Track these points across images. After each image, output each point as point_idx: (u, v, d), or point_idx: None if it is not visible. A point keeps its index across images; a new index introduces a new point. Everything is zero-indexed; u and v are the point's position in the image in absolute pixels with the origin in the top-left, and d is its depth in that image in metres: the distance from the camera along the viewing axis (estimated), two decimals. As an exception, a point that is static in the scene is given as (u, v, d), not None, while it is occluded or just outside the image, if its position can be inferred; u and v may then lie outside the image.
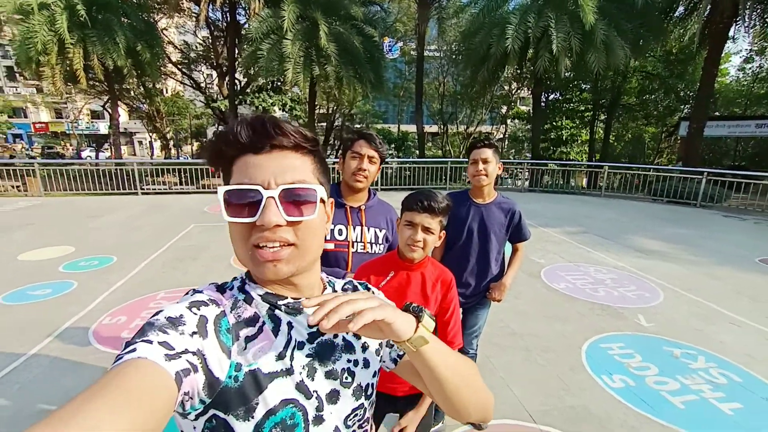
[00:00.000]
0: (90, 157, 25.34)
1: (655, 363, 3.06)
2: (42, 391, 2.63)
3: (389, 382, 1.44)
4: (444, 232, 1.44)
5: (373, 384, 0.73)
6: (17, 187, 10.58)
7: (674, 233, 7.33)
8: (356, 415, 0.68)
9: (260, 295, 0.64)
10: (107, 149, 24.44)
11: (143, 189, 11.09)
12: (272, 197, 0.57)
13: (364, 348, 0.72)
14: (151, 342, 0.49)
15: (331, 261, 1.71)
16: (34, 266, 4.97)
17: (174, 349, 0.49)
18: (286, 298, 0.65)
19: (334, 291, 0.74)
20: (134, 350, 0.47)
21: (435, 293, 1.45)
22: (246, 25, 14.87)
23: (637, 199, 11.50)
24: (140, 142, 37.22)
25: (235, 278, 0.68)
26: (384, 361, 0.79)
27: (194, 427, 0.57)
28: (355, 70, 12.56)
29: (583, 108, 20.33)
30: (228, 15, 15.04)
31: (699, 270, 5.30)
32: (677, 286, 4.69)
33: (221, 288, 0.65)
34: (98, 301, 3.98)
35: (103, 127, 30.98)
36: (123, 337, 3.28)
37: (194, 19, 15.67)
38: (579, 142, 21.12)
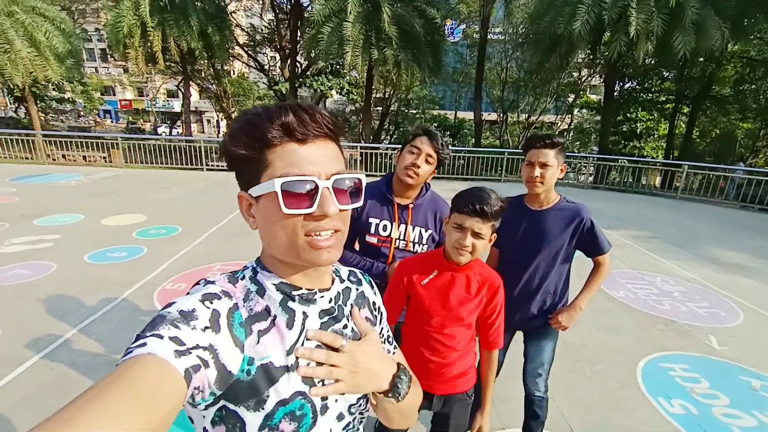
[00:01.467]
0: (164, 133, 27.62)
1: (726, 392, 2.73)
2: (115, 343, 2.95)
3: (427, 379, 1.42)
4: (495, 235, 1.35)
5: None
6: (104, 158, 11.82)
7: (763, 246, 6.45)
8: (360, 404, 0.71)
9: (275, 285, 0.63)
10: (179, 126, 26.44)
11: (209, 165, 11.88)
12: (327, 187, 0.58)
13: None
14: (161, 337, 0.48)
15: (372, 254, 1.70)
16: (113, 230, 5.55)
17: (185, 345, 0.49)
18: (301, 288, 0.65)
19: (342, 281, 0.75)
20: (144, 345, 0.47)
21: (480, 296, 1.39)
22: (309, 8, 15.11)
23: (721, 204, 10.25)
24: (209, 121, 39.82)
25: (245, 267, 0.67)
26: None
27: (204, 416, 0.58)
28: (413, 53, 12.34)
29: (663, 99, 18.27)
30: (293, -2, 15.37)
31: (791, 291, 4.63)
32: (761, 307, 4.14)
33: (233, 277, 0.64)
34: (163, 267, 4.35)
35: (177, 105, 33.50)
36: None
37: (261, 2, 16.20)
38: (655, 136, 19.14)
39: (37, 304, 3.45)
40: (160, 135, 23.66)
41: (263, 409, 0.57)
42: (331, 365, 0.62)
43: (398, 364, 0.73)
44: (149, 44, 12.88)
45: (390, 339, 0.84)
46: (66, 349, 2.86)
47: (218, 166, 12.24)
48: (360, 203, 0.63)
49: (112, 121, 35.87)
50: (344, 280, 0.76)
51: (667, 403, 2.59)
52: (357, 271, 0.82)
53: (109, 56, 27.15)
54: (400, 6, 11.74)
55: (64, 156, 11.88)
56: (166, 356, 0.47)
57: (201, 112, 38.61)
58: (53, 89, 20.67)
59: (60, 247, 4.82)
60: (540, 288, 1.82)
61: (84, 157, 11.87)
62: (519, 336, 2.01)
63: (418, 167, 1.60)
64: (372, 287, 0.82)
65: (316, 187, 0.57)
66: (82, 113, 29.97)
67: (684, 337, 3.47)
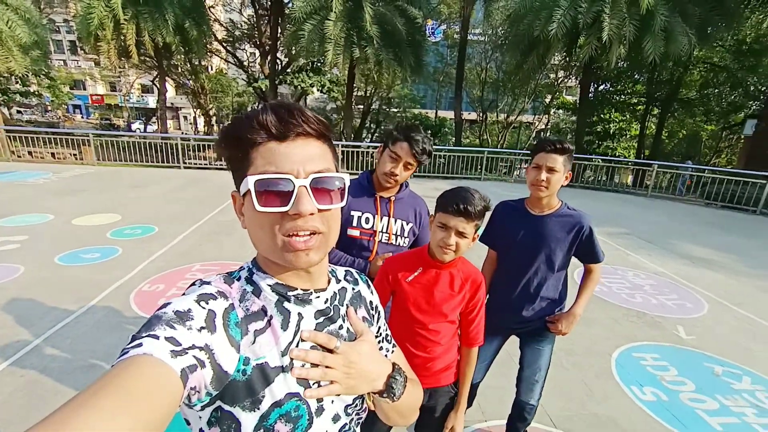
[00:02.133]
0: (139, 129, 26.75)
1: (693, 379, 2.88)
2: (89, 347, 2.85)
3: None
4: (478, 234, 1.39)
5: None
6: (74, 155, 11.35)
7: (727, 241, 6.81)
8: (356, 404, 0.71)
9: (270, 286, 0.63)
10: (155, 122, 25.68)
11: (185, 163, 11.58)
12: (304, 186, 0.57)
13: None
14: (157, 337, 0.48)
15: (355, 248, 1.71)
16: (85, 230, 5.35)
17: (181, 345, 0.49)
18: (296, 289, 0.65)
19: (338, 281, 0.75)
20: (140, 345, 0.47)
21: (464, 292, 1.43)
22: (290, 5, 14.92)
23: (688, 202, 10.74)
24: (185, 117, 38.79)
25: (241, 267, 0.67)
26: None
27: (200, 417, 0.58)
28: (395, 53, 12.37)
29: (635, 101, 18.98)
30: (273, -6, 15.15)
31: (752, 283, 4.91)
32: (725, 299, 4.37)
33: (229, 278, 0.64)
34: (139, 268, 4.23)
35: (152, 101, 32.49)
36: (159, 304, 3.49)
37: (240, -3, 15.89)
38: (627, 137, 19.84)
39: (3, 309, 3.29)
40: (135, 131, 22.89)
41: (258, 409, 0.57)
42: (326, 367, 0.63)
43: (393, 365, 0.74)
44: (122, 38, 12.43)
45: (388, 338, 0.84)
46: (36, 355, 2.74)
47: (195, 163, 11.96)
48: (343, 203, 0.63)
49: (82, 117, 34.44)
50: (340, 281, 0.76)
51: (639, 391, 2.71)
52: (354, 270, 0.82)
53: (79, 49, 26.06)
54: (382, 5, 11.76)
55: (30, 153, 11.34)
56: (162, 356, 0.46)
57: (177, 108, 37.55)
58: (17, 82, 19.69)
59: (28, 248, 4.62)
60: (538, 292, 1.82)
61: (53, 154, 11.35)
62: (512, 342, 2.02)
63: (397, 175, 1.62)
64: (369, 287, 0.82)
65: (293, 186, 0.57)
66: (49, 108, 28.66)
67: (654, 328, 3.63)
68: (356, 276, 0.81)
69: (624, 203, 9.92)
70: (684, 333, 3.57)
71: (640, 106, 18.74)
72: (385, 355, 0.83)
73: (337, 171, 0.63)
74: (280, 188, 0.57)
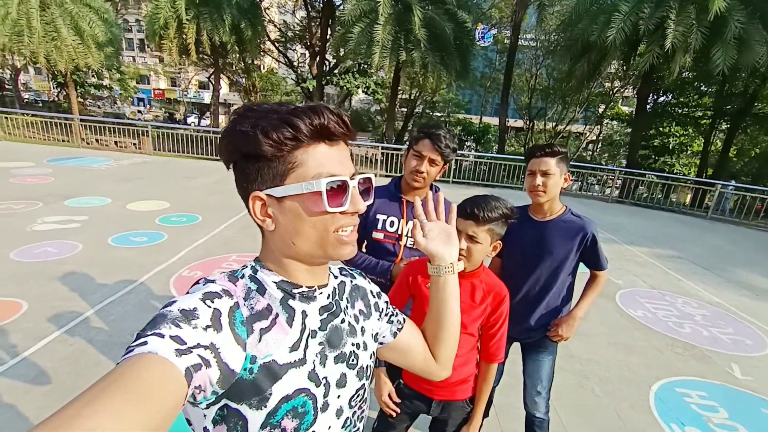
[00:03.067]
0: (193, 123, 28.42)
1: (747, 425, 2.59)
2: (129, 325, 3.05)
3: (427, 384, 1.43)
4: (500, 243, 1.33)
5: (370, 366, 0.77)
6: (135, 144, 12.27)
7: (799, 274, 6.11)
8: (358, 395, 0.73)
9: (276, 283, 0.64)
10: (208, 117, 27.19)
11: (233, 157, 12.14)
12: (355, 186, 0.63)
13: (363, 331, 0.75)
14: (162, 336, 0.48)
15: (380, 251, 1.69)
16: (137, 215, 5.75)
17: (186, 344, 0.49)
18: (301, 286, 0.66)
19: (335, 277, 0.76)
20: (145, 343, 0.47)
21: (484, 305, 1.38)
22: (341, 7, 15.26)
23: (756, 228, 9.76)
24: (237, 114, 40.70)
25: (244, 266, 0.67)
26: (384, 336, 0.82)
27: (204, 416, 0.57)
28: (441, 56, 12.28)
29: (700, 114, 17.56)
30: (325, -3, 15.56)
31: (826, 324, 4.36)
32: (791, 339, 3.92)
33: (233, 276, 0.64)
34: (182, 254, 4.48)
35: (207, 97, 34.41)
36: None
37: (294, -1, 16.47)
38: (688, 153, 18.39)
39: (61, 282, 3.60)
40: (189, 125, 24.36)
41: (266, 407, 0.58)
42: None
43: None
44: (184, 36, 13.29)
45: (395, 312, 0.85)
46: (85, 327, 2.97)
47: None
48: (371, 200, 0.67)
49: (146, 107, 37.16)
50: (337, 276, 0.77)
51: (680, 430, 2.48)
52: (345, 266, 0.84)
53: (146, 46, 28.16)
54: (432, 9, 11.70)
55: (97, 140, 12.40)
56: (167, 355, 0.47)
57: (230, 104, 39.53)
58: (92, 76, 21.59)
59: (87, 228, 5.03)
60: (541, 300, 1.78)
61: (116, 143, 12.34)
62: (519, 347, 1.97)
63: (423, 172, 1.59)
64: (364, 277, 0.84)
65: (347, 186, 0.61)
66: (118, 100, 31.18)
67: (703, 363, 3.31)
68: (349, 270, 0.83)
69: (680, 224, 9.19)
70: (739, 372, 3.23)
71: (705, 120, 17.30)
72: (399, 328, 0.84)
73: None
74: (339, 189, 0.61)
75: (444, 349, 0.84)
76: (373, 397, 1.41)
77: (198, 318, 0.53)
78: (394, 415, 1.47)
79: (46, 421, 0.38)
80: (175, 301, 0.54)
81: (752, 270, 6.05)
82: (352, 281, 0.79)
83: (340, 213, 0.61)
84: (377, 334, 0.80)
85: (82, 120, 12.50)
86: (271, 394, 0.58)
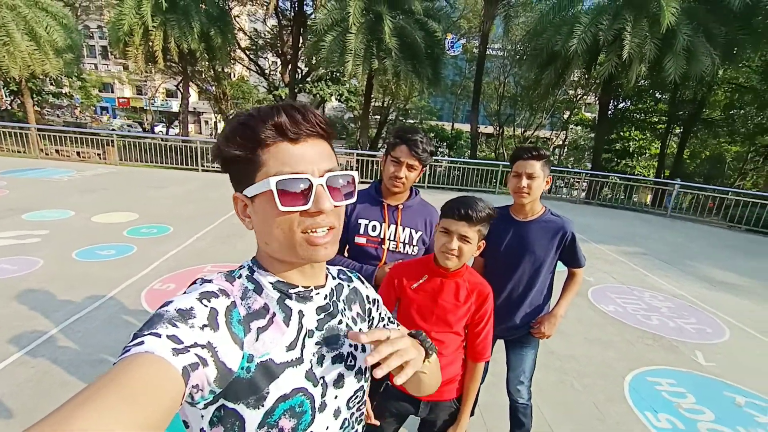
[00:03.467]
0: (161, 132, 27.50)
1: (712, 408, 2.75)
2: (99, 341, 2.90)
3: None
4: (484, 242, 1.37)
5: (369, 367, 0.76)
6: (99, 155, 11.73)
7: (751, 266, 6.55)
8: (357, 396, 0.72)
9: (272, 283, 0.64)
10: (177, 126, 26.39)
11: (204, 166, 11.83)
12: (321, 184, 0.59)
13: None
14: (159, 335, 0.48)
15: (362, 256, 1.69)
16: (103, 228, 5.48)
17: (183, 343, 0.49)
18: (297, 286, 0.66)
19: (333, 278, 0.76)
20: (142, 343, 0.47)
21: (469, 303, 1.40)
22: (312, 16, 15.27)
23: (710, 224, 10.41)
24: (206, 122, 39.78)
25: (242, 266, 0.67)
26: None
27: (202, 416, 0.57)
28: (413, 65, 12.48)
29: (656, 119, 18.66)
30: (296, 5, 15.54)
31: (777, 311, 4.69)
32: (748, 326, 4.19)
33: (230, 276, 0.64)
34: (153, 266, 4.30)
35: (175, 105, 33.46)
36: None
37: (265, 7, 16.36)
38: (647, 155, 19.48)
39: (21, 300, 3.38)
40: (157, 134, 23.55)
41: (263, 406, 0.57)
42: (398, 350, 0.61)
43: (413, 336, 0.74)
44: (150, 44, 12.89)
45: (391, 319, 0.85)
46: (49, 347, 2.80)
47: (213, 166, 12.19)
48: (353, 200, 0.65)
49: (110, 118, 35.66)
50: (335, 278, 0.77)
51: (653, 418, 2.60)
52: (345, 269, 0.83)
53: (109, 53, 27.10)
54: (403, 18, 11.90)
55: (57, 151, 11.78)
56: (164, 354, 0.46)
57: (199, 112, 38.60)
58: (51, 84, 20.54)
59: (48, 243, 4.75)
60: (524, 298, 1.84)
61: (78, 153, 11.77)
62: (502, 345, 2.01)
63: (401, 178, 1.61)
64: (362, 282, 0.83)
65: (311, 185, 0.58)
66: (78, 109, 29.78)
67: (671, 352, 3.49)
68: (348, 273, 0.82)
69: (643, 222, 9.67)
70: (703, 359, 3.42)
71: (661, 125, 18.40)
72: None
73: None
74: (300, 188, 0.58)
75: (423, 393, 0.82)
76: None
77: (195, 317, 0.53)
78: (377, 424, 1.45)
79: (45, 420, 0.37)
80: (171, 301, 0.54)
81: (709, 263, 6.45)
82: (349, 285, 0.79)
83: (303, 213, 0.59)
84: None
85: (39, 130, 11.86)
86: (268, 393, 0.58)
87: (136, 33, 12.51)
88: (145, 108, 35.58)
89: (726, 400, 2.88)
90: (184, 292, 0.59)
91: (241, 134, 0.59)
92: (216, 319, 0.55)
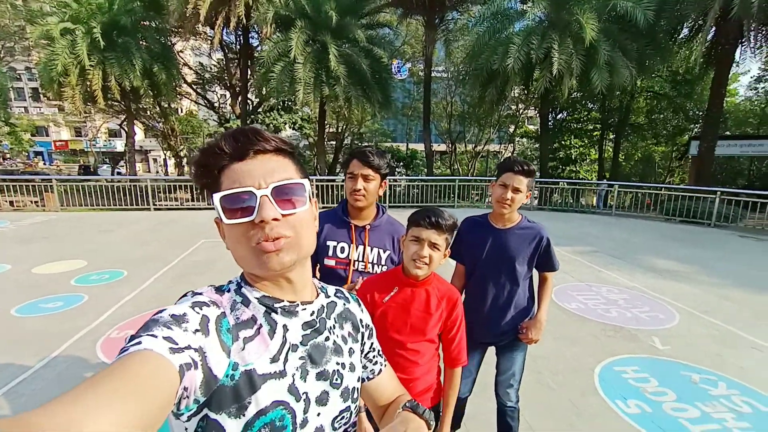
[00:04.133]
0: (106, 172, 25.96)
1: (673, 388, 2.95)
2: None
3: None
4: (450, 250, 1.43)
5: (358, 388, 0.76)
6: (35, 202, 10.85)
7: (687, 253, 7.18)
8: (343, 417, 0.71)
9: (257, 298, 0.66)
10: (123, 166, 25.05)
11: (156, 205, 11.27)
12: (266, 195, 0.61)
13: (351, 352, 0.76)
14: (155, 336, 0.50)
15: (332, 278, 1.69)
16: (47, 279, 5.04)
17: (178, 344, 0.51)
18: (282, 301, 0.67)
19: (327, 296, 0.77)
20: (140, 343, 0.49)
21: (440, 311, 1.44)
22: (259, 48, 15.35)
23: (649, 219, 11.34)
24: (155, 160, 38.10)
25: (230, 281, 0.70)
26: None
27: (186, 429, 0.58)
28: (363, 90, 12.84)
29: (591, 127, 20.33)
30: (241, 38, 15.58)
31: (715, 292, 5.16)
32: (693, 308, 4.56)
33: (219, 290, 0.67)
34: (107, 314, 4.00)
35: (119, 145, 31.87)
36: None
37: (209, 42, 16.26)
38: (588, 161, 21.06)
39: (-48, 369, 3.01)
40: (101, 176, 22.21)
41: (243, 416, 0.58)
42: None
43: (416, 415, 0.76)
44: (88, 83, 12.31)
45: (379, 352, 0.86)
46: (-11, 417, 2.50)
47: (166, 204, 11.66)
48: (306, 207, 0.66)
49: (45, 164, 33.16)
50: (330, 296, 0.78)
51: (624, 405, 2.74)
52: (345, 290, 0.85)
53: (41, 95, 25.51)
54: (348, 47, 12.29)
55: (-15, 202, 10.75)
56: (162, 352, 0.49)
57: (147, 150, 36.94)
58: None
59: (-19, 302, 4.29)
60: (510, 303, 1.90)
61: (11, 203, 10.80)
62: (490, 350, 2.06)
63: (360, 190, 1.63)
64: (359, 305, 0.85)
65: (255, 197, 0.61)
66: (8, 155, 27.51)
67: (632, 341, 3.72)
68: (347, 295, 0.83)
69: (591, 223, 10.35)
70: (660, 344, 3.67)
71: (596, 132, 20.05)
72: (380, 370, 0.86)
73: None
74: (246, 202, 0.61)
75: None
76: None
77: (188, 322, 0.55)
78: None
79: (54, 401, 0.38)
80: (165, 309, 0.57)
81: (653, 254, 7.00)
82: (345, 304, 0.80)
83: (253, 225, 0.61)
84: (362, 360, 0.81)
85: (-38, 180, 10.80)
86: (249, 403, 0.58)
87: (71, 73, 11.93)
88: (86, 150, 33.55)
89: (683, 379, 3.10)
90: (178, 303, 0.61)
91: (199, 165, 0.64)
92: (207, 325, 0.57)
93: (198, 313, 0.58)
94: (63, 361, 3.15)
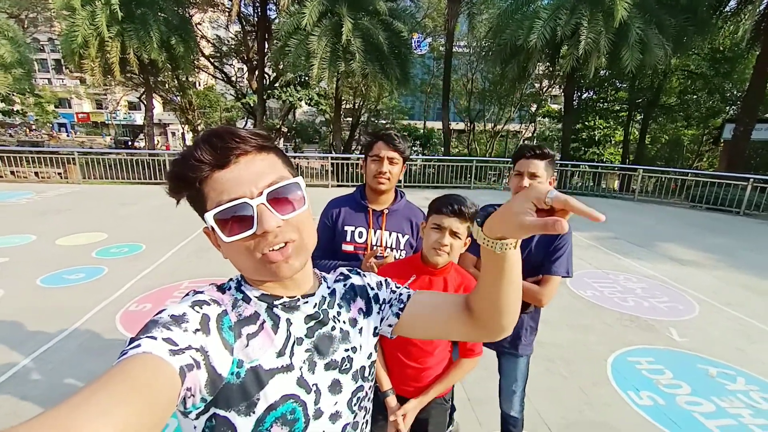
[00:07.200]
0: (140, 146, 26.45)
1: (688, 381, 2.88)
2: (71, 373, 2.74)
3: (403, 384, 1.45)
4: (470, 238, 1.38)
5: (368, 366, 0.75)
6: (59, 174, 11.16)
7: (713, 243, 6.92)
8: (357, 396, 0.72)
9: (257, 297, 0.65)
10: (142, 139, 25.45)
11: (174, 179, 11.46)
12: (262, 204, 0.57)
13: (361, 331, 0.75)
14: (155, 338, 0.50)
15: (351, 263, 1.68)
16: (69, 251, 5.22)
17: (178, 345, 0.51)
18: (282, 297, 0.66)
19: (328, 286, 0.76)
20: (139, 346, 0.48)
21: None
22: (276, 21, 15.05)
23: (674, 205, 10.93)
24: (173, 133, 38.51)
25: (231, 279, 0.69)
26: (387, 320, 0.77)
27: (195, 427, 0.58)
28: (381, 66, 12.50)
29: (618, 108, 19.48)
30: (259, 10, 15.28)
31: (740, 283, 4.98)
32: (715, 300, 4.42)
33: (220, 288, 0.66)
34: (126, 287, 4.13)
35: (139, 118, 32.28)
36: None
37: (227, 14, 16.02)
38: (612, 143, 20.28)
39: (-18, 334, 3.17)
40: (121, 149, 22.67)
41: (254, 413, 0.58)
42: None
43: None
44: (107, 55, 12.36)
45: (399, 296, 0.80)
46: (15, 383, 2.63)
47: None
48: (306, 207, 0.62)
49: (67, 135, 34.01)
50: (330, 285, 0.77)
51: (636, 396, 2.70)
52: (344, 270, 0.83)
53: (64, 67, 25.84)
54: (367, 19, 11.91)
55: (12, 173, 11.12)
56: (162, 354, 0.48)
57: (165, 124, 37.33)
58: (1, 101, 19.41)
59: (8, 271, 4.48)
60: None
61: (36, 174, 11.15)
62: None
63: (385, 173, 1.61)
64: (359, 274, 0.82)
65: (251, 207, 0.57)
66: (34, 127, 28.28)
67: (648, 331, 3.64)
68: (346, 273, 0.81)
69: (612, 208, 10.06)
70: (677, 335, 3.58)
71: (623, 113, 19.20)
72: (401, 308, 0.77)
73: (292, 176, 0.63)
74: (241, 213, 0.57)
75: (507, 316, 0.69)
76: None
77: (188, 322, 0.54)
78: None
79: (54, 409, 0.37)
80: (164, 309, 0.56)
81: (676, 243, 6.77)
82: (345, 284, 0.78)
83: (254, 236, 0.57)
84: (376, 328, 0.78)
85: (-9, 151, 11.15)
86: (258, 399, 0.58)
87: (91, 45, 11.96)
88: (106, 122, 34.16)
89: (700, 372, 3.02)
90: (179, 302, 0.60)
91: (177, 177, 0.59)
92: (208, 324, 0.56)
93: (198, 312, 0.57)
94: (85, 331, 3.28)
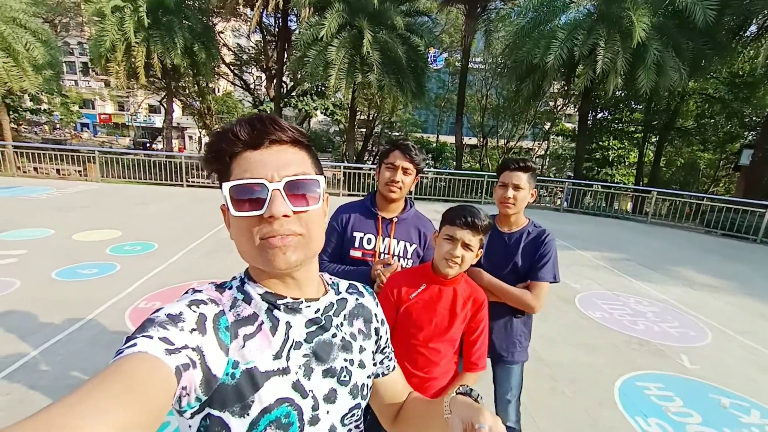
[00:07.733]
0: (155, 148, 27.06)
1: (699, 411, 2.80)
2: (81, 364, 2.79)
3: None
4: (482, 250, 1.39)
5: (368, 385, 0.74)
6: (79, 171, 11.48)
7: (728, 269, 6.76)
8: (353, 414, 0.69)
9: (260, 294, 0.64)
10: (160, 141, 26.04)
11: (188, 181, 11.68)
12: (278, 189, 0.58)
13: (361, 350, 0.73)
14: (151, 337, 0.49)
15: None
16: (85, 246, 5.34)
17: (174, 344, 0.50)
18: (285, 297, 0.65)
19: (338, 293, 0.75)
20: (135, 345, 0.48)
21: (465, 311, 1.41)
22: (297, 31, 15.43)
23: (687, 229, 10.74)
24: (190, 137, 39.32)
25: (234, 277, 0.69)
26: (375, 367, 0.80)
27: (189, 426, 0.57)
28: (397, 78, 12.68)
29: (633, 129, 19.32)
30: (280, 20, 15.69)
31: (755, 311, 4.84)
32: (728, 327, 4.30)
33: (220, 287, 0.65)
34: (137, 285, 4.20)
35: (158, 120, 33.07)
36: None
37: (249, 23, 16.48)
38: (626, 164, 20.07)
39: (-3, 323, 3.25)
40: (139, 150, 23.21)
41: (248, 415, 0.57)
42: None
43: (462, 394, 0.67)
44: (133, 59, 12.81)
45: (390, 355, 0.84)
46: (25, 372, 2.68)
47: (198, 182, 12.05)
48: (319, 205, 0.63)
49: (90, 135, 34.99)
50: (341, 293, 0.76)
51: (643, 422, 2.63)
52: (359, 285, 0.82)
53: (90, 70, 26.75)
54: (385, 33, 12.14)
55: (35, 169, 11.48)
56: (158, 353, 0.48)
57: (183, 128, 38.16)
58: (30, 100, 20.14)
59: (25, 263, 4.60)
60: (509, 312, 1.78)
61: (58, 171, 11.49)
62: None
63: (398, 182, 1.64)
64: (374, 299, 0.82)
65: (267, 190, 0.58)
66: (58, 125, 29.18)
67: (658, 356, 3.56)
68: (361, 289, 0.81)
69: (624, 229, 9.91)
70: (688, 362, 3.49)
71: (638, 134, 19.03)
72: (394, 366, 0.84)
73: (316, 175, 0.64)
74: (256, 194, 0.58)
75: None
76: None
77: (184, 321, 0.54)
78: None
79: (50, 406, 0.37)
80: (161, 308, 0.56)
81: (689, 267, 6.63)
82: (357, 300, 0.77)
83: (261, 219, 0.58)
84: (374, 358, 0.78)
85: (16, 147, 11.54)
86: (253, 401, 0.57)
87: (118, 49, 12.43)
88: (127, 124, 35.10)
89: (712, 402, 2.94)
90: (176, 301, 0.60)
91: (213, 148, 0.61)
92: (204, 324, 0.56)
93: (195, 311, 0.56)
94: (95, 325, 3.35)
